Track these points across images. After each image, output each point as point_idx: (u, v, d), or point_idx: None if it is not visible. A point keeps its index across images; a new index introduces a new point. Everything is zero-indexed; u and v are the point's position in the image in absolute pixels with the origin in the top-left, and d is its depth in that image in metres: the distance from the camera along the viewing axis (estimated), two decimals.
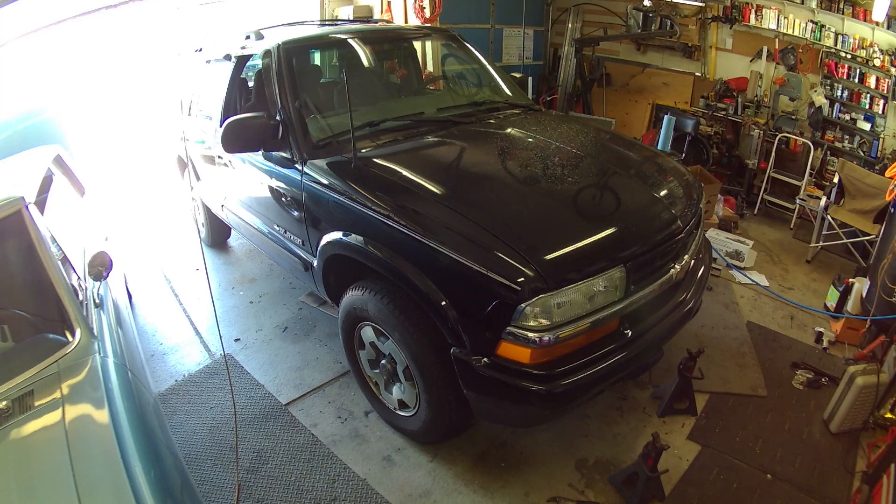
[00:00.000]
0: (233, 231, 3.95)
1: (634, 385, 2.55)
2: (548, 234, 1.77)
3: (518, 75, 3.35)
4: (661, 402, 2.42)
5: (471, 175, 2.20)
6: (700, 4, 5.38)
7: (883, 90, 4.51)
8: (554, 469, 2.14)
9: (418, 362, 1.92)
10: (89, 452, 1.27)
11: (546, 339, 1.62)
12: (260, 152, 2.45)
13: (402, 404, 2.19)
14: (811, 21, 4.75)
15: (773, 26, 4.97)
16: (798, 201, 4.44)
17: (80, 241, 2.32)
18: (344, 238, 2.10)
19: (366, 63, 3.04)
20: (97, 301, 1.87)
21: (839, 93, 4.79)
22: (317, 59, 3.23)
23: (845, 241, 3.86)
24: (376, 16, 5.17)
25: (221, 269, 3.90)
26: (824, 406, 2.42)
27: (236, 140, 2.19)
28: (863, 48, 4.55)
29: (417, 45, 3.82)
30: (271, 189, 2.53)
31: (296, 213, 2.39)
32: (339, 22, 4.37)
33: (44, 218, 1.98)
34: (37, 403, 1.39)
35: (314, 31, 3.01)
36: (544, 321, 1.63)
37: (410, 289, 1.86)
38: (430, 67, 4.41)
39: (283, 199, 2.45)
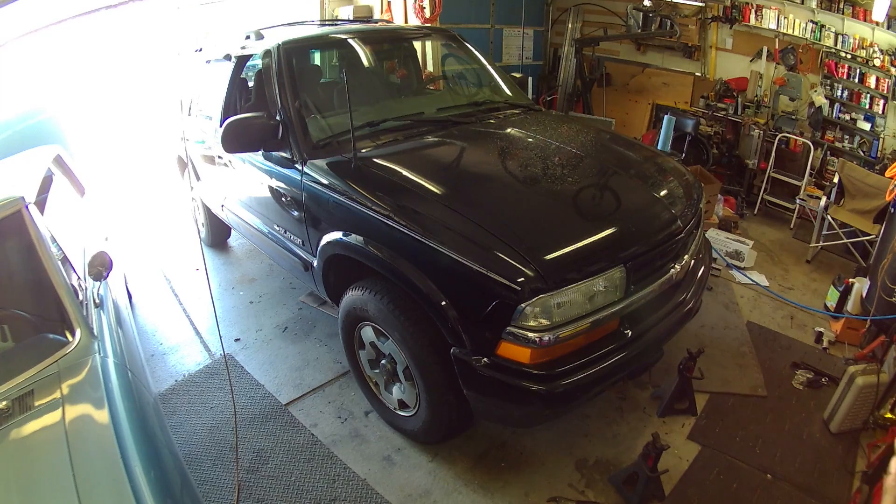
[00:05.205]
0: (233, 231, 3.95)
1: (634, 385, 2.55)
2: (548, 234, 1.77)
3: (518, 75, 3.35)
4: (661, 402, 2.42)
5: (471, 175, 2.20)
6: (700, 4, 5.38)
7: (883, 90, 4.51)
8: (554, 469, 2.14)
9: (418, 362, 1.92)
10: (89, 452, 1.27)
11: (546, 339, 1.62)
12: (260, 152, 2.45)
13: (402, 404, 2.19)
14: (811, 21, 4.75)
15: (773, 26, 4.97)
16: (798, 201, 4.44)
17: (80, 241, 2.32)
18: (344, 238, 2.10)
19: (366, 63, 3.04)
20: (97, 301, 1.87)
21: (839, 93, 4.79)
22: (317, 59, 3.23)
23: (845, 241, 3.86)
24: (376, 16, 5.17)
25: (221, 269, 3.90)
26: (824, 406, 2.42)
27: (236, 140, 2.19)
28: (863, 48, 4.55)
29: (417, 45, 3.82)
30: (271, 189, 2.53)
31: (296, 213, 2.38)
32: (339, 22, 4.37)
33: (44, 218, 1.98)
34: (37, 403, 1.39)
35: (314, 31, 3.01)
36: (544, 321, 1.63)
37: (410, 289, 1.86)
38: (430, 67, 4.41)
39: (283, 199, 2.44)
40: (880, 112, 4.57)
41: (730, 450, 2.22)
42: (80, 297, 1.77)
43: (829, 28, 4.68)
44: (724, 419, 2.39)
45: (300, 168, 2.26)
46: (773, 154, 4.76)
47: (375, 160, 2.15)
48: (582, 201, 2.01)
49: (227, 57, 2.96)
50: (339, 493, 2.05)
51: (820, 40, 4.73)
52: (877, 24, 4.39)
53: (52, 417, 1.36)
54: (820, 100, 4.66)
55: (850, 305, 3.05)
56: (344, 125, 2.20)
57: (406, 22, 4.93)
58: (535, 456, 2.20)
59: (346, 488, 2.06)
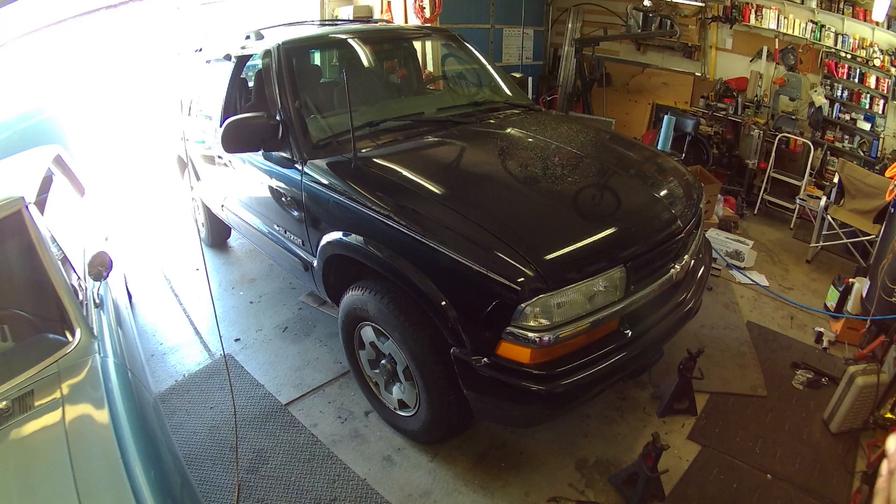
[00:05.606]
0: (233, 231, 3.95)
1: (634, 385, 2.55)
2: (548, 234, 1.77)
3: (518, 75, 3.34)
4: (661, 402, 2.42)
5: (471, 175, 2.20)
6: (700, 4, 5.38)
7: (883, 90, 4.51)
8: (554, 469, 2.14)
9: (418, 362, 1.91)
10: (89, 452, 1.27)
11: (546, 339, 1.62)
12: (260, 152, 2.45)
13: (402, 404, 2.19)
14: (811, 21, 4.75)
15: (773, 26, 4.97)
16: (798, 201, 4.43)
17: (80, 241, 2.32)
18: (344, 238, 2.10)
19: (366, 63, 3.04)
20: (97, 301, 1.87)
21: (839, 93, 4.79)
22: (317, 59, 3.23)
23: (845, 241, 3.86)
24: (376, 16, 5.17)
25: (221, 269, 3.90)
26: (824, 406, 2.42)
27: (236, 140, 2.19)
28: (863, 48, 4.55)
29: (417, 45, 3.81)
30: (271, 189, 2.53)
31: (296, 213, 2.38)
32: (339, 22, 4.37)
33: (44, 218, 1.98)
34: (37, 403, 1.39)
35: (314, 31, 3.01)
36: (544, 321, 1.63)
37: (410, 289, 1.86)
38: (430, 67, 4.41)
39: (283, 199, 2.44)
40: (880, 112, 4.57)
41: (730, 450, 2.22)
42: (80, 297, 1.77)
43: (829, 28, 4.68)
44: (724, 419, 2.39)
45: (300, 168, 2.26)
46: (773, 154, 4.76)
47: (375, 160, 2.15)
48: (582, 201, 2.01)
49: (227, 57, 2.96)
50: (339, 493, 2.05)
51: (820, 40, 4.73)
52: (877, 24, 4.39)
53: (52, 417, 1.36)
54: (820, 100, 4.66)
55: (850, 305, 3.05)
56: (344, 125, 2.20)
57: (406, 22, 4.92)
58: (535, 456, 2.20)
59: (346, 488, 2.06)
